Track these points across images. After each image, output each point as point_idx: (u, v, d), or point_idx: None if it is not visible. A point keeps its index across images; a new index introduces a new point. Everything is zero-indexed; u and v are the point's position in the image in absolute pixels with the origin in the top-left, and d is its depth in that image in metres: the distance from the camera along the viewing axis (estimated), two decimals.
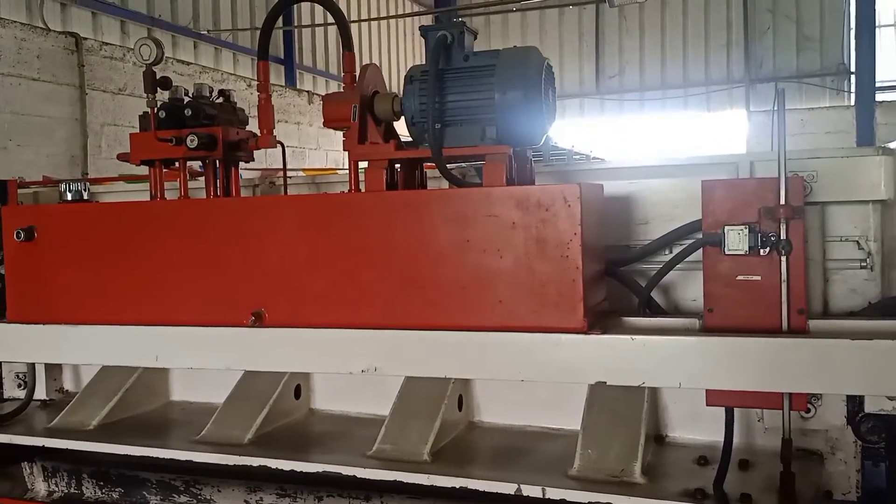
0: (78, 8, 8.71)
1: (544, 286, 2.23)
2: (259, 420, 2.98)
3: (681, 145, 17.99)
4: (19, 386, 3.69)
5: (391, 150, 2.49)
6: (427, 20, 19.34)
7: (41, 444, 3.12)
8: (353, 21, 14.46)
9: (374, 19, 15.15)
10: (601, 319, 2.36)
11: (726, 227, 2.30)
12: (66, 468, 3.73)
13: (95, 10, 8.95)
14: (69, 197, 2.97)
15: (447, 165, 2.43)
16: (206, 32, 10.83)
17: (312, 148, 11.79)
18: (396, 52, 16.96)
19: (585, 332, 2.21)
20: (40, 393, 3.63)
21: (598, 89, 19.04)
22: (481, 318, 2.30)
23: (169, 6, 10.24)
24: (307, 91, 12.44)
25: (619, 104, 19.03)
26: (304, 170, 3.96)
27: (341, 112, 2.56)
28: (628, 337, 2.19)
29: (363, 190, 2.62)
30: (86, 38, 8.06)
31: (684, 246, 2.62)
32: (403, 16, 16.35)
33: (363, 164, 2.57)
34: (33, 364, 3.50)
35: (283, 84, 12.40)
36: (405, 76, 2.49)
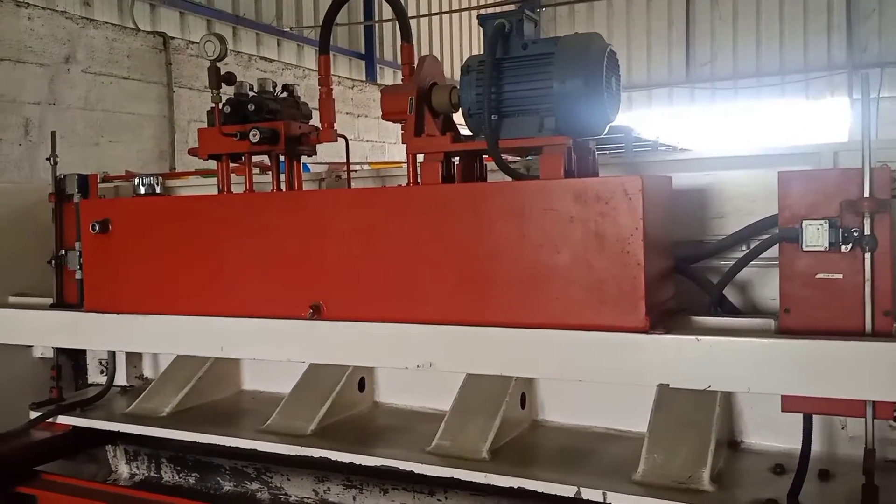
0: (166, 8, 9.02)
1: (603, 283, 2.14)
2: (322, 412, 3.00)
3: (777, 135, 17.19)
4: (102, 372, 3.84)
5: (447, 143, 2.44)
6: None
7: (117, 430, 3.22)
8: (435, 13, 14.49)
9: (457, 11, 15.10)
10: (666, 319, 2.25)
11: (804, 222, 2.14)
12: (146, 452, 3.87)
13: (183, 9, 9.25)
14: (142, 191, 3.05)
15: (505, 157, 2.36)
16: (288, 30, 11.02)
17: (392, 142, 11.86)
18: (466, 44, 16.79)
19: (647, 332, 2.10)
20: (121, 379, 3.77)
21: (688, 77, 18.40)
22: (538, 314, 2.23)
23: (253, 5, 10.48)
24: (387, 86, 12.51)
25: (711, 93, 18.33)
26: (370, 163, 3.96)
27: (398, 104, 2.52)
28: (693, 338, 2.07)
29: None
30: (173, 38, 8.35)
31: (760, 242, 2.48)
32: (486, 6, 16.23)
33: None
34: (114, 352, 3.63)
35: (364, 79, 12.51)
36: (462, 66, 2.43)
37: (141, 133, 7.60)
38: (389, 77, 13.45)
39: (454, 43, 15.94)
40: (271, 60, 9.74)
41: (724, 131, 17.87)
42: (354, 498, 3.40)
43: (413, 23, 13.80)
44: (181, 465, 3.79)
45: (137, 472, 3.94)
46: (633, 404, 2.83)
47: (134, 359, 3.83)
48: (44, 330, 3.17)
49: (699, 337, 2.08)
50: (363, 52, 12.94)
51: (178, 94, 8.08)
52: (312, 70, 10.63)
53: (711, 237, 2.74)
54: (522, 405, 2.93)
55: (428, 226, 2.34)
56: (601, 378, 2.15)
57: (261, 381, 3.62)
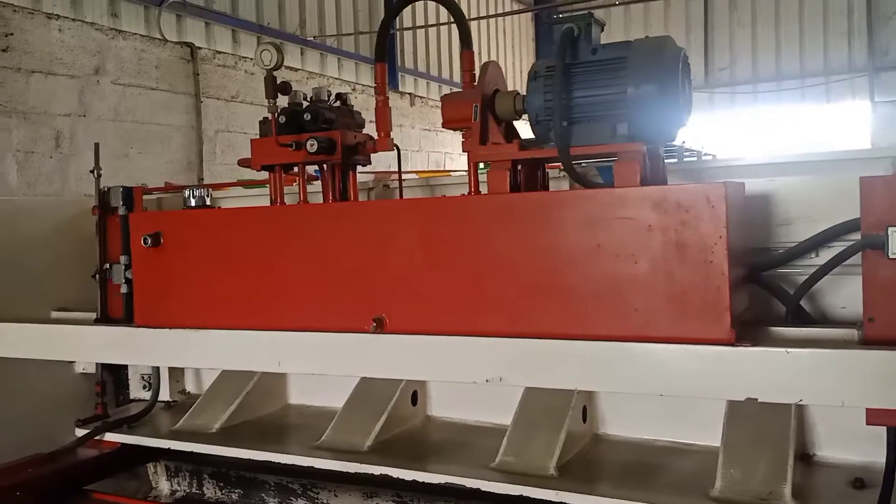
0: (192, 18, 9.03)
1: (685, 294, 2.07)
2: (378, 427, 2.94)
3: (798, 139, 17.06)
4: (144, 387, 3.80)
5: (514, 151, 2.38)
6: (526, 18, 19.13)
7: (167, 447, 3.17)
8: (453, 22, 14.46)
9: (475, 19, 15.08)
10: (748, 330, 2.17)
11: (890, 229, 2.07)
12: (188, 468, 3.82)
13: (208, 19, 9.26)
14: (192, 203, 3.01)
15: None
16: (312, 38, 11.04)
17: (415, 150, 11.83)
18: (488, 50, 16.81)
19: (733, 345, 2.02)
20: (164, 394, 3.72)
21: (706, 82, 18.30)
22: (615, 327, 2.15)
23: (277, 14, 10.49)
24: (409, 93, 12.50)
25: (731, 97, 18.23)
26: (417, 172, 3.91)
27: (461, 112, 2.46)
28: (783, 350, 1.99)
29: (483, 192, 2.53)
30: (200, 48, 8.35)
31: (837, 249, 2.40)
32: (506, 14, 16.24)
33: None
34: (158, 367, 3.58)
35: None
36: (529, 72, 2.37)
37: (169, 144, 7.59)
38: (410, 85, 13.44)
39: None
40: (296, 70, 9.73)
41: (745, 136, 17.76)
42: None
43: (433, 30, 13.84)
44: (224, 481, 3.74)
45: (178, 488, 3.90)
46: (697, 416, 2.76)
47: (177, 374, 3.78)
48: (93, 345, 3.12)
49: (788, 349, 2.00)
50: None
51: (205, 104, 8.07)
52: (336, 79, 10.62)
53: (778, 244, 2.66)
54: (584, 419, 2.86)
55: (498, 235, 2.28)
56: (684, 392, 2.08)
57: (307, 395, 3.56)
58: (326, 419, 3.20)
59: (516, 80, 16.43)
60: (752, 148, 16.65)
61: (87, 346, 3.15)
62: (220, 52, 8.55)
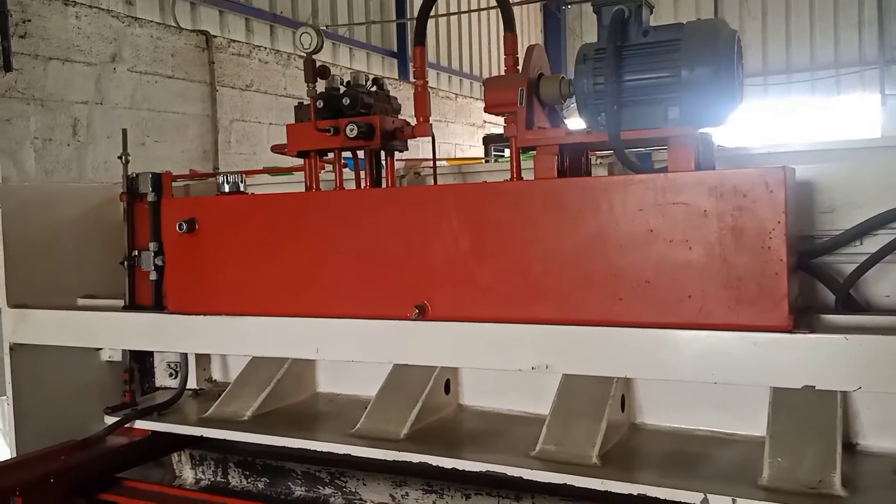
0: (206, 6, 8.98)
1: (741, 280, 2.04)
2: (413, 415, 2.91)
3: (810, 132, 17.01)
4: (170, 375, 3.77)
5: (562, 135, 2.35)
6: (535, 8, 19.04)
7: (200, 435, 3.15)
8: (464, 11, 14.41)
9: (485, 9, 15.01)
10: (802, 317, 2.14)
11: None
12: (213, 457, 3.80)
13: (223, 8, 9.20)
14: (226, 189, 2.98)
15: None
16: (324, 28, 10.99)
17: (426, 140, 11.77)
18: (498, 40, 16.74)
19: (790, 332, 1.99)
20: (191, 382, 3.70)
21: None
22: (667, 314, 2.13)
23: (290, 3, 10.43)
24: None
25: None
26: (447, 160, 3.88)
27: (506, 96, 2.43)
28: (841, 337, 1.97)
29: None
30: (215, 36, 8.30)
31: (882, 237, 2.37)
32: (515, 4, 16.12)
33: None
34: (186, 354, 3.56)
35: (397, 77, 12.45)
36: (577, 55, 2.33)
37: (185, 132, 7.55)
38: None
39: (473, 40, 15.83)
40: None
41: (755, 127, 17.69)
42: (434, 503, 3.32)
43: (443, 21, 13.77)
44: (250, 470, 3.72)
45: (203, 476, 3.88)
46: (736, 406, 2.73)
47: (203, 362, 3.76)
48: (125, 332, 3.10)
49: (847, 336, 1.97)
50: (395, 50, 12.88)
51: (220, 93, 8.03)
52: (347, 68, 10.57)
53: (821, 232, 2.63)
54: (623, 408, 2.83)
55: (546, 221, 2.25)
56: (738, 380, 2.05)
57: (336, 383, 3.53)
58: (356, 407, 3.18)
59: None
60: (762, 140, 16.56)
61: (119, 332, 3.13)
62: (234, 41, 8.50)
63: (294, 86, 8.77)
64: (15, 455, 3.20)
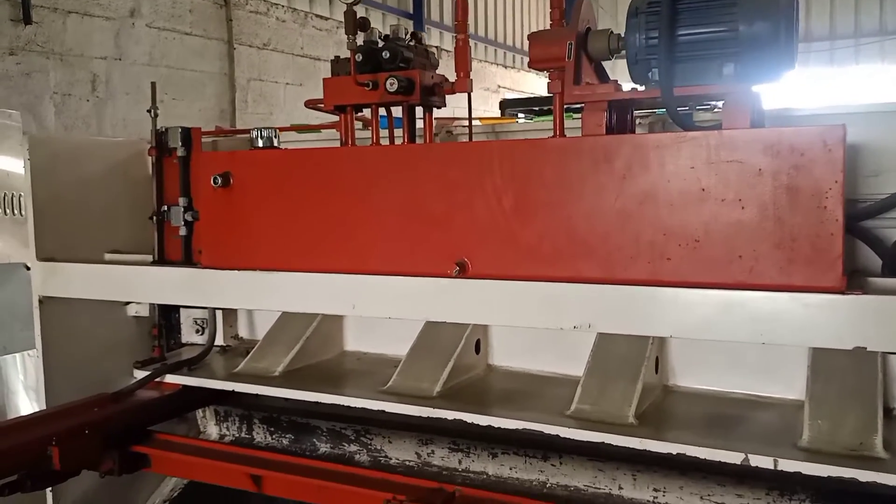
0: None
1: (795, 240, 2.01)
2: (445, 374, 2.91)
3: (851, 98, 16.79)
4: (197, 331, 3.78)
5: (611, 91, 2.30)
6: None
7: (231, 389, 3.16)
8: None
9: None
10: (853, 279, 2.12)
11: None
12: (238, 413, 3.83)
13: None
14: (260, 143, 2.94)
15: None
16: None
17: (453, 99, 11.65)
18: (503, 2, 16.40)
19: (843, 293, 1.97)
20: (217, 339, 3.70)
21: None
22: (716, 274, 2.10)
23: None
24: (435, 46, 12.30)
25: None
26: (480, 119, 3.83)
27: (552, 51, 2.38)
28: (895, 298, 1.94)
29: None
30: None
31: None
32: None
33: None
34: (214, 311, 3.56)
35: None
36: (629, 9, 2.28)
37: (203, 91, 7.49)
38: (436, 38, 13.22)
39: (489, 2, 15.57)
40: (326, 18, 9.55)
41: (795, 94, 17.44)
42: (460, 461, 3.34)
43: None
44: (275, 426, 3.74)
45: (227, 432, 3.91)
46: (771, 370, 2.73)
47: (230, 319, 3.76)
48: (158, 286, 3.09)
49: None
50: (411, 11, 12.71)
51: (238, 51, 7.94)
52: None
53: (865, 196, 2.60)
54: (656, 370, 2.83)
55: (593, 179, 2.22)
56: (788, 341, 2.03)
57: (364, 342, 3.54)
58: (385, 366, 3.18)
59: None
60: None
61: (151, 286, 3.12)
62: None
63: (311, 46, 8.68)
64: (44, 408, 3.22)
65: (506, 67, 15.31)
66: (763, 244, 2.04)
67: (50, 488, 3.24)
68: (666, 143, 2.12)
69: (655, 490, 2.91)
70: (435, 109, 2.84)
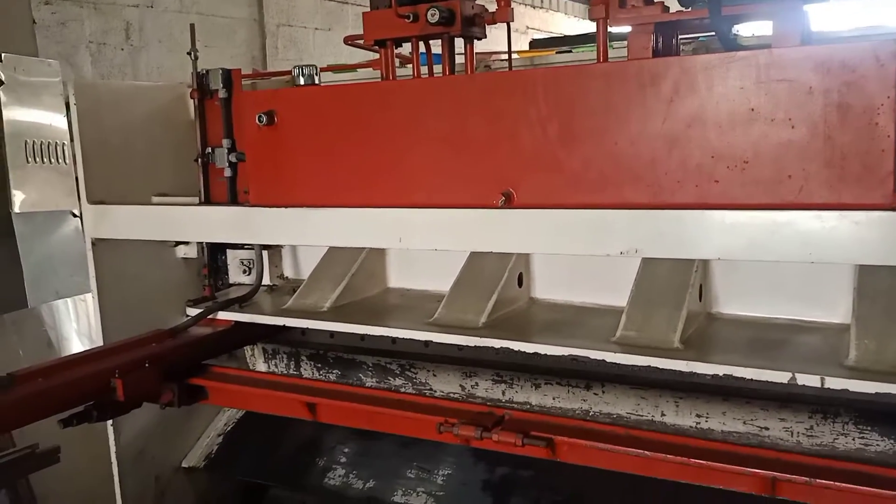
0: None
1: (845, 158, 2.00)
2: (489, 305, 2.96)
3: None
4: (244, 272, 3.86)
5: (658, 13, 2.28)
6: None
7: (282, 324, 3.25)
8: None
9: None
10: None
11: None
12: (286, 351, 3.95)
13: None
14: (301, 81, 2.97)
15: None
16: None
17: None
18: None
19: (893, 209, 1.97)
20: (263, 279, 3.79)
21: None
22: (765, 195, 2.11)
23: None
24: None
25: None
26: (519, 52, 3.80)
27: None
28: None
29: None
30: None
31: None
32: None
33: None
34: (261, 251, 3.64)
35: None
36: None
37: (233, 37, 7.48)
38: None
39: None
40: None
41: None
42: (504, 393, 3.42)
43: None
44: (322, 363, 3.86)
45: (276, 369, 4.04)
46: (814, 294, 2.75)
47: (275, 259, 3.85)
48: (208, 225, 3.16)
49: None
50: None
51: None
52: None
53: None
54: (700, 297, 2.85)
55: (640, 103, 2.21)
56: (838, 259, 2.04)
57: (406, 278, 3.60)
58: (429, 301, 3.25)
59: None
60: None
61: (202, 226, 3.20)
62: None
63: None
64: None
65: (534, 8, 15.02)
66: (812, 163, 2.04)
67: (111, 422, 3.39)
68: (715, 63, 2.11)
69: (698, 416, 2.97)
70: (476, 41, 2.82)
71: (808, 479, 2.08)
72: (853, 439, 2.70)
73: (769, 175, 2.09)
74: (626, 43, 2.40)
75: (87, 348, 3.46)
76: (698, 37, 2.98)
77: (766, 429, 2.83)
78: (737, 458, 2.21)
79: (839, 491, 2.07)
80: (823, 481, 2.07)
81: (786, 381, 2.26)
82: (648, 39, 2.25)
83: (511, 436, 2.41)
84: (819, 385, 2.22)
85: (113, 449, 3.44)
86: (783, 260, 2.08)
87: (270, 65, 7.77)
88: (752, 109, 2.08)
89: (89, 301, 5.03)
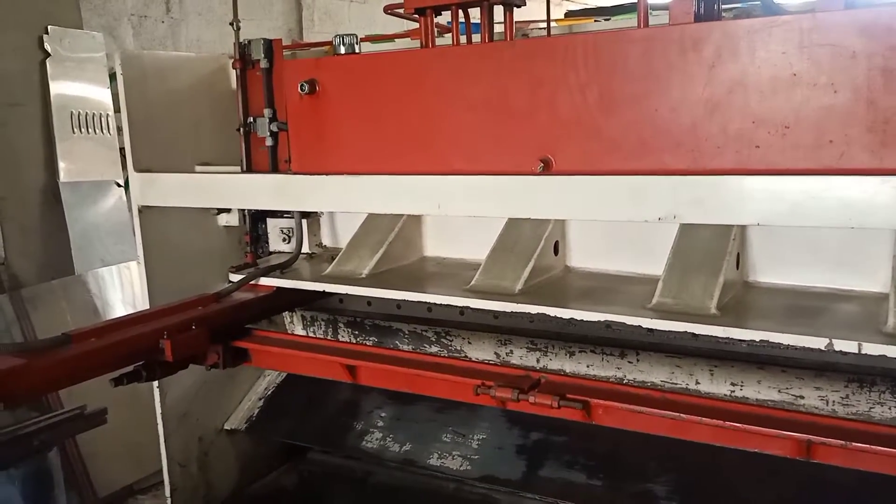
0: None
1: (888, 123, 2.00)
2: (526, 273, 3.00)
3: None
4: (284, 240, 3.95)
5: None
6: None
7: (323, 290, 3.32)
8: None
9: None
10: None
11: None
12: (323, 318, 4.03)
13: None
14: (342, 50, 3.00)
15: None
16: None
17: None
18: None
19: None
20: (303, 247, 3.86)
21: None
22: (806, 160, 2.11)
23: None
24: None
25: None
26: (557, 20, 3.80)
27: None
28: None
29: None
30: None
31: None
32: None
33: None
34: (301, 219, 3.71)
35: None
36: None
37: (270, 10, 7.52)
38: None
39: None
40: None
41: None
42: (538, 360, 3.46)
43: None
44: (359, 330, 3.93)
45: (314, 335, 4.11)
46: (854, 263, 2.74)
47: (314, 227, 3.92)
48: (252, 193, 3.24)
49: None
50: None
51: None
52: None
53: None
54: (737, 265, 2.86)
55: (681, 68, 2.22)
56: (878, 224, 2.03)
57: (442, 247, 3.65)
58: (465, 269, 3.29)
59: None
60: None
61: (245, 193, 3.27)
62: None
63: None
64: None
65: None
66: (854, 128, 2.03)
67: (157, 385, 3.51)
68: (757, 28, 2.11)
69: (733, 384, 2.98)
70: (515, 9, 2.84)
71: (844, 442, 2.10)
72: (890, 408, 2.70)
73: (810, 140, 2.09)
74: (663, 13, 2.40)
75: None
76: (739, 5, 2.96)
77: (801, 397, 2.84)
78: (772, 422, 2.23)
79: (876, 455, 2.08)
80: (860, 444, 2.08)
81: (823, 347, 2.27)
82: (691, 4, 2.24)
83: (547, 398, 2.45)
84: (856, 351, 2.23)
85: (159, 410, 3.56)
86: (823, 225, 2.09)
87: (306, 37, 7.79)
88: (794, 74, 2.08)
89: (133, 269, 5.20)
